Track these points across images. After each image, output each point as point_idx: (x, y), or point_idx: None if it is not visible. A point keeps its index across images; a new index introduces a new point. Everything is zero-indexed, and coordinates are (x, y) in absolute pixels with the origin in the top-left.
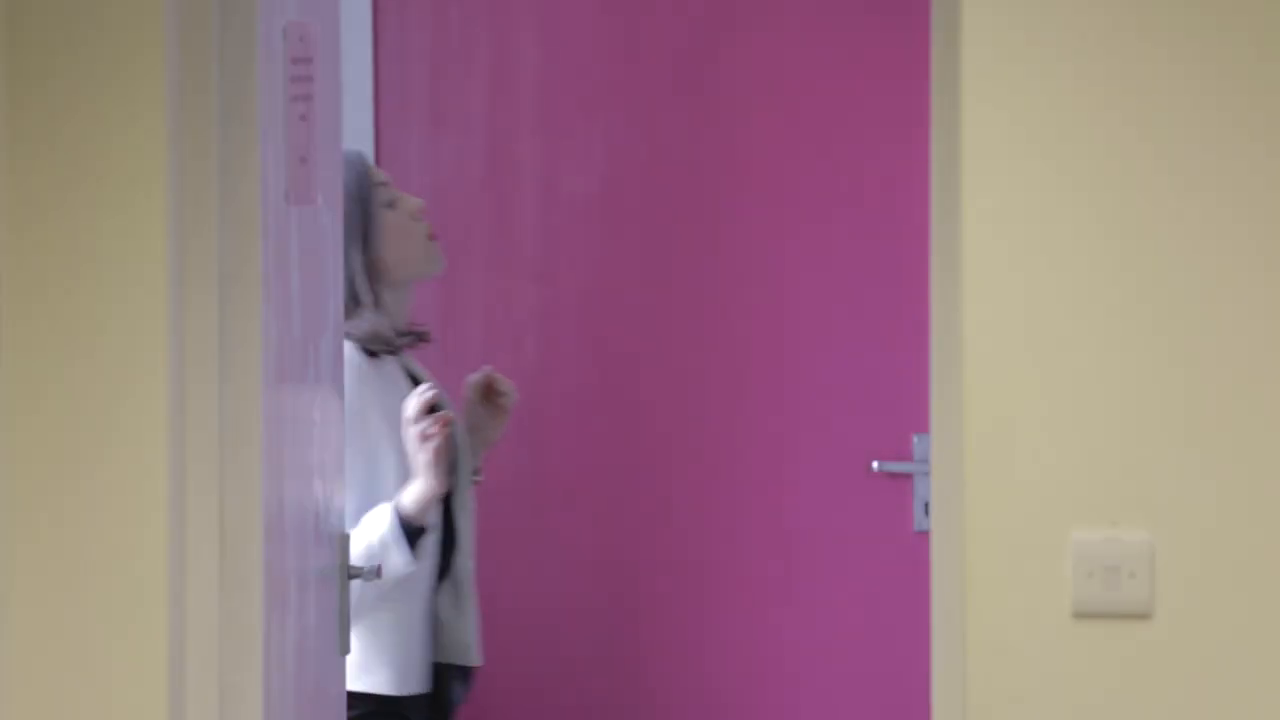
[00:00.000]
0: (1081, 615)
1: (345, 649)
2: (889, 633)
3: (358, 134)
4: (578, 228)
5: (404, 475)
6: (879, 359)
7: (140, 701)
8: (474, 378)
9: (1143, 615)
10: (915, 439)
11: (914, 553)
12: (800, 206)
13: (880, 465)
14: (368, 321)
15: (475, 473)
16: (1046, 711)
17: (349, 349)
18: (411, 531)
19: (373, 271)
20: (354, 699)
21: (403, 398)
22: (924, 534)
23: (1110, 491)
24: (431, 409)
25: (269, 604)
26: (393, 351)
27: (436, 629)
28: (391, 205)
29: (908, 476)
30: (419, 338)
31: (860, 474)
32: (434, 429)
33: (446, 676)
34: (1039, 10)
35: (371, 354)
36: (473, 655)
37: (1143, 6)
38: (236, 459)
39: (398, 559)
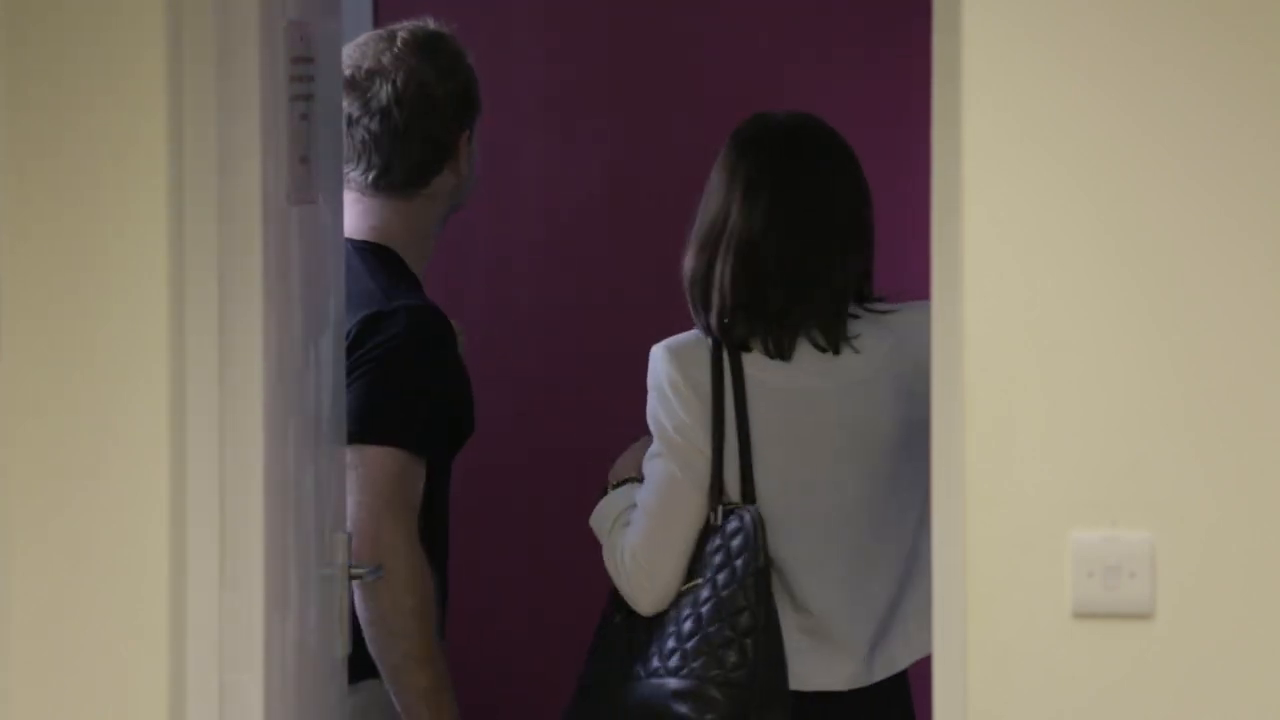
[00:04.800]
0: (1081, 615)
1: (346, 649)
2: None
3: None
4: (578, 228)
5: None
6: None
7: (140, 701)
8: None
9: (1143, 615)
10: None
11: None
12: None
13: None
14: None
15: None
16: (1046, 711)
17: None
18: None
19: None
20: None
21: None
22: None
23: (1110, 491)
24: None
25: (269, 604)
26: None
27: None
28: None
29: None
30: None
31: None
32: None
33: None
34: (1039, 10)
35: None
36: None
37: (1143, 5)
38: (236, 459)
39: None
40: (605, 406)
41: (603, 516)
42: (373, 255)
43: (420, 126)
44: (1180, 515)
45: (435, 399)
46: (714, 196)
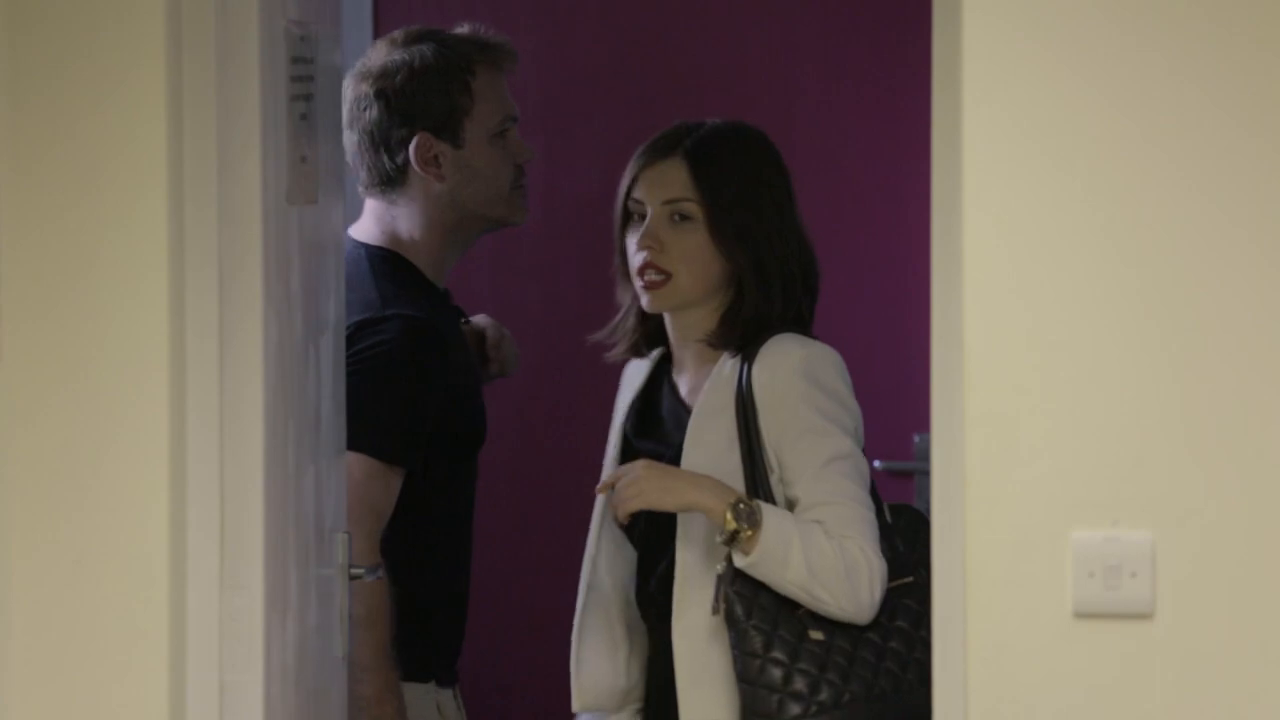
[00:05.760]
0: (1082, 615)
1: (345, 649)
2: None
3: None
4: (578, 228)
5: None
6: (880, 358)
7: (140, 701)
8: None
9: (1143, 615)
10: (916, 438)
11: None
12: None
13: (882, 464)
14: None
15: None
16: (1046, 711)
17: None
18: None
19: None
20: None
21: None
22: None
23: (1110, 491)
24: None
25: (269, 604)
26: None
27: None
28: None
29: (909, 476)
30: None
31: None
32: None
33: None
34: (1039, 10)
35: None
36: None
37: (1143, 5)
38: (236, 459)
39: None
40: (605, 406)
41: (784, 533)
42: (382, 261)
43: (365, 121)
44: (1180, 515)
45: (420, 408)
46: (783, 203)
